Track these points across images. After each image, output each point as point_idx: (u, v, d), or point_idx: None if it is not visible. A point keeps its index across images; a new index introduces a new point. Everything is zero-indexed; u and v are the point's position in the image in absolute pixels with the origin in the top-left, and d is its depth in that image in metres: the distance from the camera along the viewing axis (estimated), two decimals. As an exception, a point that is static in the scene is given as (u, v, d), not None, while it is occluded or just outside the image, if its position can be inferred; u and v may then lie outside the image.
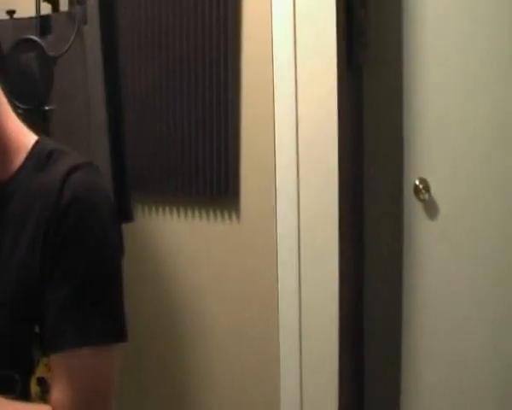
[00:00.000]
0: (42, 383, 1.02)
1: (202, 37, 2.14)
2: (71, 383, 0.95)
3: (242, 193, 2.12)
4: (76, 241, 0.98)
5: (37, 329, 0.99)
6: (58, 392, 0.96)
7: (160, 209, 2.28)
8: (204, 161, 2.13)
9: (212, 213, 2.18)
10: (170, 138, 2.21)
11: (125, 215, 1.85)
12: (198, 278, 2.24)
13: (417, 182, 2.11)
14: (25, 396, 1.01)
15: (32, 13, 2.09)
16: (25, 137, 1.10)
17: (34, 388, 1.02)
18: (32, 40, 1.96)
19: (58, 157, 1.06)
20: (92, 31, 1.96)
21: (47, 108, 1.93)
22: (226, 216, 2.15)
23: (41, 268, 0.98)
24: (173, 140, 2.20)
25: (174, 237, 2.25)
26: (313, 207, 2.04)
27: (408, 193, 2.14)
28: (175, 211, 2.24)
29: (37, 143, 1.10)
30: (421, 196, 2.10)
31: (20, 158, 1.07)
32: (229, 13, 2.09)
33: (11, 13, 2.07)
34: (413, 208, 2.13)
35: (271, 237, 2.07)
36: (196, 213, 2.20)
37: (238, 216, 2.13)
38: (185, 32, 2.17)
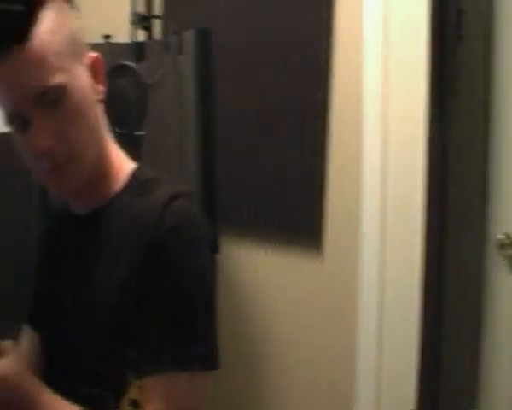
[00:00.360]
0: (134, 404, 1.02)
1: (291, 85, 2.14)
2: (164, 407, 0.97)
3: (325, 232, 2.10)
4: (174, 267, 0.99)
5: (132, 351, 1.00)
6: None
7: (244, 242, 2.27)
8: (290, 198, 2.12)
9: (294, 250, 2.16)
10: (258, 173, 2.21)
11: (212, 247, 1.83)
12: (276, 312, 2.22)
13: (503, 237, 2.06)
14: (116, 416, 1.02)
15: (126, 39, 2.12)
16: (124, 163, 1.14)
17: (126, 409, 1.02)
18: (128, 66, 1.98)
19: (158, 184, 1.09)
20: (187, 61, 1.98)
21: (140, 133, 1.94)
22: (308, 254, 2.13)
23: (138, 291, 1.00)
24: (261, 175, 2.19)
25: (256, 269, 2.24)
26: (397, 252, 2.00)
27: (492, 248, 2.09)
28: (258, 244, 2.24)
29: (136, 169, 1.13)
30: (508, 252, 2.04)
31: (119, 183, 1.10)
32: (321, 63, 2.09)
33: (107, 37, 2.09)
34: (497, 264, 2.08)
35: (353, 278, 2.04)
36: (279, 248, 2.19)
37: (321, 255, 2.11)
38: (274, 74, 2.18)
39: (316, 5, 2.09)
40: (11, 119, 1.01)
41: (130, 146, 1.93)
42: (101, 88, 1.09)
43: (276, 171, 2.18)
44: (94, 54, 1.09)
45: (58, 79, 0.99)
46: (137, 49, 2.07)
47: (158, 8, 2.37)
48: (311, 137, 2.11)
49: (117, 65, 1.97)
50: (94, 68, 1.08)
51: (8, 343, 0.95)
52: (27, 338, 1.21)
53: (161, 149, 2.03)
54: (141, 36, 2.16)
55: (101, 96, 1.09)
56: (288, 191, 2.14)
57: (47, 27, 1.00)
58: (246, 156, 2.24)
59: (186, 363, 0.98)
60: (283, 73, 2.17)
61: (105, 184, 1.10)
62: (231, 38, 2.29)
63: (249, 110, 2.24)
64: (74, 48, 1.04)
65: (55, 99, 0.99)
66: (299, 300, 2.18)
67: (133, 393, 1.01)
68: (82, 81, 1.04)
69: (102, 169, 1.09)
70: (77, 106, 1.02)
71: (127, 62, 1.98)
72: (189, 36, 2.00)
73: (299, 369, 2.20)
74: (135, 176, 1.11)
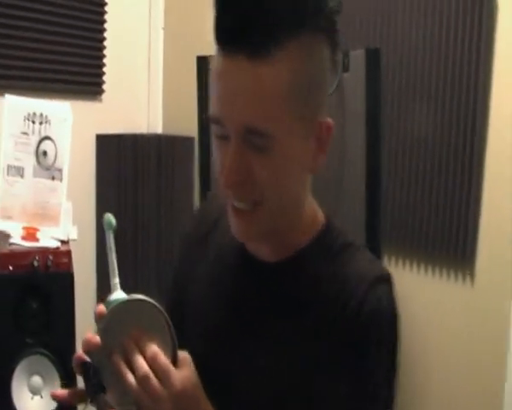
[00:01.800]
0: None
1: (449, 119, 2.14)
2: None
3: (479, 258, 2.10)
4: (369, 350, 0.94)
5: None
6: None
7: (396, 261, 2.29)
8: (445, 221, 2.13)
9: (445, 273, 2.18)
10: (414, 194, 2.21)
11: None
12: (423, 332, 2.23)
13: None
14: None
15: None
16: (315, 215, 1.04)
17: None
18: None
19: (354, 253, 1.00)
20: (356, 80, 1.99)
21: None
22: (460, 278, 2.14)
23: (321, 360, 0.94)
24: (420, 198, 2.20)
25: (407, 288, 2.24)
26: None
27: None
28: (411, 264, 2.25)
29: (327, 223, 1.03)
30: None
31: (306, 237, 1.02)
32: (479, 94, 2.08)
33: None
34: None
35: (505, 306, 2.03)
36: (430, 269, 2.20)
37: (472, 280, 2.11)
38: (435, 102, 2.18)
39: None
40: (216, 120, 0.91)
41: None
42: (322, 160, 0.96)
43: (432, 193, 2.18)
44: (328, 121, 0.95)
45: (272, 127, 0.88)
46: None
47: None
48: (468, 162, 2.11)
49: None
50: (321, 136, 0.95)
51: (184, 354, 0.90)
52: None
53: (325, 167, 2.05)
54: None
55: (318, 167, 0.97)
56: (444, 214, 2.15)
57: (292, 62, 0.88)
58: (402, 176, 2.25)
59: None
60: (443, 100, 2.17)
61: (294, 234, 1.01)
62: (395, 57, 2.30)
63: (408, 131, 2.24)
64: (306, 101, 0.91)
65: (259, 145, 0.89)
66: (447, 321, 2.18)
67: None
68: (296, 143, 0.92)
69: (294, 220, 1.00)
70: (281, 165, 0.91)
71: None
72: (358, 54, 2.02)
73: (446, 395, 2.20)
74: (325, 231, 1.02)
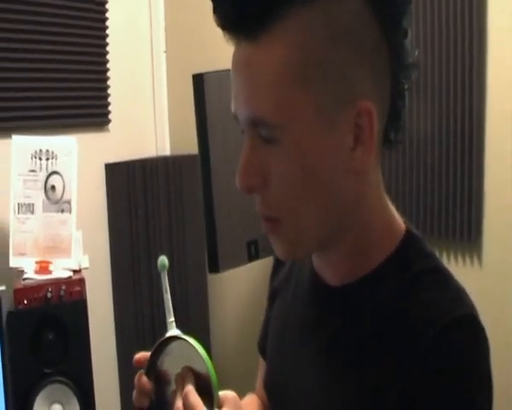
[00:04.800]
0: None
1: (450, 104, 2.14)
2: None
3: (485, 241, 2.09)
4: (433, 402, 0.79)
5: None
6: None
7: None
8: (449, 207, 2.14)
9: (453, 258, 2.17)
10: (417, 182, 2.22)
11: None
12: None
13: None
14: None
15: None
16: (391, 228, 0.89)
17: None
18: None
19: (434, 282, 0.85)
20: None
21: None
22: (468, 262, 2.14)
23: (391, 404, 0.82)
24: (421, 183, 2.21)
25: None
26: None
27: None
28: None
29: (404, 240, 0.88)
30: None
31: (380, 254, 0.87)
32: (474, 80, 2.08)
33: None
34: None
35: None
36: (438, 255, 2.20)
37: (480, 263, 2.11)
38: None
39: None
40: (234, 116, 0.84)
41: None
42: (364, 155, 0.79)
43: (435, 178, 2.19)
44: (365, 103, 0.78)
45: (275, 115, 0.77)
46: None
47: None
48: (469, 149, 2.11)
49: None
50: (360, 125, 0.79)
51: (230, 394, 0.87)
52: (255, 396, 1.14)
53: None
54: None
55: (361, 166, 0.80)
56: (447, 200, 2.15)
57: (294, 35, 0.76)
58: (404, 164, 2.26)
59: None
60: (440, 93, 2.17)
61: (360, 251, 0.87)
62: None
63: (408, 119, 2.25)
64: (319, 84, 0.77)
65: (266, 136, 0.79)
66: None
67: None
68: (314, 134, 0.78)
69: (353, 233, 0.85)
70: (296, 160, 0.79)
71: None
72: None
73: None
74: (403, 249, 0.87)
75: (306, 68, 0.76)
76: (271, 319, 1.06)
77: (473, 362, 0.80)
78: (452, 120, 2.14)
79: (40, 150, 2.25)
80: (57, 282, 2.07)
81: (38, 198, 2.23)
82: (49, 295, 2.03)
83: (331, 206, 0.82)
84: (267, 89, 0.77)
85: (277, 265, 1.09)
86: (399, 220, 0.89)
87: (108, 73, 2.77)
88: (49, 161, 2.27)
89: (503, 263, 2.07)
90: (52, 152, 2.26)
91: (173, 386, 0.88)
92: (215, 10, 0.79)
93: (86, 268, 2.19)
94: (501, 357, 2.10)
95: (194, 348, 0.87)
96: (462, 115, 2.11)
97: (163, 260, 0.95)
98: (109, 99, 2.77)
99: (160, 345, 0.90)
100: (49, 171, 2.25)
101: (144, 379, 0.88)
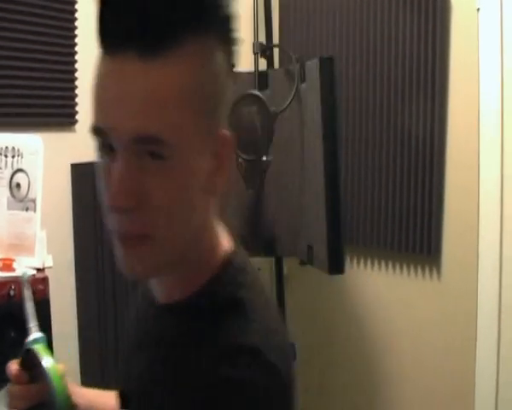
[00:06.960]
0: None
1: (411, 113, 2.19)
2: None
3: (444, 253, 2.15)
4: None
5: None
6: None
7: (364, 261, 2.34)
8: (409, 220, 2.18)
9: (413, 270, 2.22)
10: (379, 196, 2.27)
11: (337, 268, 1.92)
12: (394, 330, 2.27)
13: None
14: None
15: (247, 68, 2.21)
16: (214, 249, 0.91)
17: None
18: (254, 95, 2.07)
19: (232, 315, 0.85)
20: (312, 88, 2.05)
21: (266, 158, 2.02)
22: (427, 274, 2.19)
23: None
24: (382, 198, 2.26)
25: (375, 288, 2.30)
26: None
27: None
28: (378, 264, 2.30)
29: (222, 266, 0.90)
30: None
31: (202, 277, 0.89)
32: (437, 101, 2.13)
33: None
34: None
35: (471, 299, 2.07)
36: (398, 268, 2.25)
37: (439, 275, 2.16)
38: (395, 109, 2.23)
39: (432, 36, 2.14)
40: (99, 131, 0.81)
41: (256, 172, 2.04)
42: (222, 180, 0.85)
43: (396, 193, 2.24)
44: (225, 133, 0.86)
45: (169, 132, 0.78)
46: (260, 78, 2.16)
47: (276, 37, 2.47)
48: (430, 165, 2.16)
49: (245, 94, 2.07)
50: (220, 152, 0.85)
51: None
52: None
53: (284, 175, 2.10)
54: (261, 65, 2.26)
55: (218, 189, 0.86)
56: (407, 213, 2.20)
57: (186, 64, 0.79)
58: (369, 179, 2.31)
59: None
60: (402, 100, 2.22)
61: (190, 274, 0.90)
62: (347, 65, 2.36)
63: (370, 135, 2.30)
64: (200, 110, 0.81)
65: (156, 152, 0.79)
66: (417, 318, 2.23)
67: None
68: (195, 156, 0.82)
69: (191, 254, 0.88)
70: (181, 183, 0.81)
71: (254, 92, 2.08)
72: (312, 64, 2.08)
73: (419, 385, 2.24)
74: (217, 277, 0.89)
75: (197, 94, 0.81)
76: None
77: (254, 390, 0.79)
78: (414, 136, 2.20)
79: (6, 147, 2.23)
80: (20, 280, 2.05)
81: (3, 195, 2.21)
82: (11, 292, 2.01)
83: (193, 224, 0.85)
84: (164, 106, 0.78)
85: None
86: (226, 242, 0.93)
87: (76, 74, 2.76)
88: (15, 158, 2.25)
89: (461, 276, 2.13)
90: (18, 150, 2.25)
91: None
92: (111, 20, 0.78)
93: (50, 267, 2.18)
94: (459, 369, 2.15)
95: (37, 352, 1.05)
96: (424, 132, 2.17)
97: (25, 272, 1.11)
98: (77, 99, 2.76)
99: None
100: (15, 168, 2.23)
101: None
